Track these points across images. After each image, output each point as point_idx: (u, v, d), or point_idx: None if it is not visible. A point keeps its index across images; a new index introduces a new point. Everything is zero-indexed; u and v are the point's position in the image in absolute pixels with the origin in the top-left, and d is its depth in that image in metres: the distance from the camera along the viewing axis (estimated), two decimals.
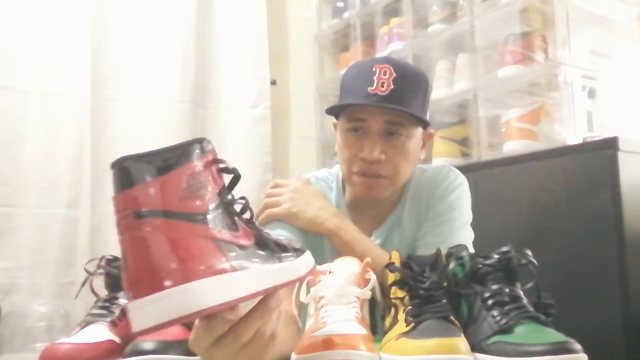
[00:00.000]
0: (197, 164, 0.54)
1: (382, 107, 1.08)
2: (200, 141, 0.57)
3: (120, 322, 0.81)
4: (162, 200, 0.51)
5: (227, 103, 2.45)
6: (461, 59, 2.00)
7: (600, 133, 1.69)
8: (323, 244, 1.18)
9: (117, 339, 0.79)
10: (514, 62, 1.81)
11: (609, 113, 1.80)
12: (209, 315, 0.55)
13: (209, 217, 0.53)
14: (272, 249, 0.61)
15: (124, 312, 0.83)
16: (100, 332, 0.79)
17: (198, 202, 0.53)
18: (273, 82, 2.55)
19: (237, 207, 0.59)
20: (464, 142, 1.97)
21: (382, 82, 1.08)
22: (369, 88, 1.08)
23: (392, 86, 1.07)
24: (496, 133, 1.87)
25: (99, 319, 0.81)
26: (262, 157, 2.45)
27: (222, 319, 0.55)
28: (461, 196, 1.22)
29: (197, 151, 0.55)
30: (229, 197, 0.57)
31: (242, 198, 0.60)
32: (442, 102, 2.00)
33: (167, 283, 0.49)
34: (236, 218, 0.57)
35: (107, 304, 0.84)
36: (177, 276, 0.49)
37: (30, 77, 2.07)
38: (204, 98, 2.41)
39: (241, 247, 0.56)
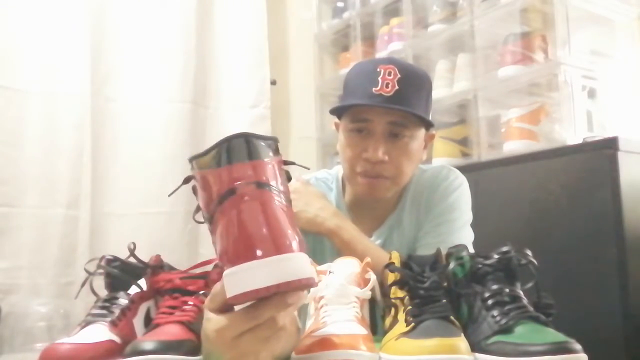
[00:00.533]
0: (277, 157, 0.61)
1: (388, 108, 1.08)
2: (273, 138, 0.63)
3: (120, 322, 0.81)
4: (277, 178, 0.59)
5: (227, 103, 2.45)
6: (461, 59, 2.00)
7: (600, 133, 1.69)
8: (323, 244, 1.18)
9: (117, 339, 0.79)
10: (514, 62, 1.81)
11: (609, 113, 1.80)
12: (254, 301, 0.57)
13: (289, 199, 0.60)
14: None
15: (124, 312, 0.83)
16: (100, 332, 0.78)
17: (286, 187, 0.60)
18: (273, 82, 2.55)
19: None
20: (464, 142, 1.97)
21: (386, 83, 1.08)
22: (374, 88, 1.08)
23: (397, 87, 1.07)
24: (496, 133, 1.87)
25: (99, 319, 0.81)
26: None
27: (272, 304, 0.56)
28: (461, 197, 1.22)
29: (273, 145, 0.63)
30: None
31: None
32: (442, 102, 2.00)
33: (290, 248, 0.54)
34: None
35: (107, 304, 0.84)
36: (294, 244, 0.55)
37: (30, 77, 2.07)
38: (204, 98, 2.41)
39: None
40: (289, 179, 0.65)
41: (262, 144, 0.59)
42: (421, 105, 1.11)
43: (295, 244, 0.54)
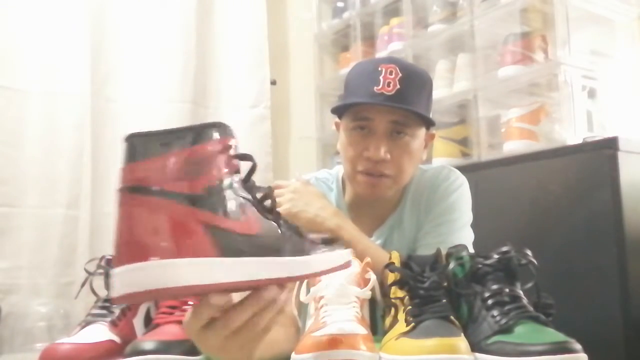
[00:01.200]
0: (204, 146, 0.55)
1: (390, 107, 1.08)
2: (215, 125, 0.57)
3: (120, 322, 0.81)
4: (158, 178, 0.52)
5: (227, 103, 2.45)
6: (461, 59, 2.00)
7: (600, 133, 1.69)
8: None
9: (117, 339, 0.79)
10: (514, 62, 1.81)
11: (609, 113, 1.80)
12: (198, 298, 0.57)
13: (205, 200, 0.54)
14: (286, 242, 0.60)
15: (124, 312, 0.83)
16: (100, 332, 0.79)
17: (194, 185, 0.54)
18: (273, 82, 2.55)
19: (258, 196, 0.60)
20: (464, 142, 1.97)
21: (388, 82, 1.08)
22: (375, 87, 1.08)
23: (398, 86, 1.08)
24: (496, 133, 1.87)
25: (99, 319, 0.81)
26: (262, 157, 2.45)
27: (207, 303, 0.55)
28: (461, 197, 1.22)
29: (210, 134, 0.56)
30: (237, 183, 0.57)
31: (268, 187, 0.62)
32: (442, 102, 2.00)
33: (150, 256, 0.50)
34: (246, 206, 0.57)
35: (107, 304, 0.84)
36: (160, 251, 0.51)
37: (30, 77, 2.07)
38: (204, 98, 2.41)
39: (237, 234, 0.55)
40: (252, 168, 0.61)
41: (152, 140, 0.54)
42: (422, 104, 1.12)
43: (157, 250, 0.51)
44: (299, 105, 2.69)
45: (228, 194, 0.56)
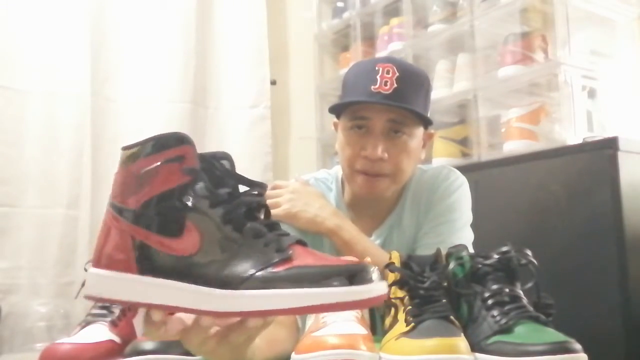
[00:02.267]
0: (147, 160, 0.55)
1: (388, 105, 1.08)
2: (167, 137, 0.56)
3: (120, 322, 0.81)
4: (112, 191, 0.57)
5: (227, 103, 2.45)
6: (461, 59, 2.00)
7: (600, 133, 1.69)
8: (322, 244, 1.18)
9: (117, 339, 0.79)
10: (514, 62, 1.81)
11: (609, 113, 1.80)
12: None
13: (138, 215, 0.54)
14: (232, 266, 0.53)
15: (124, 312, 0.83)
16: (100, 332, 0.79)
17: (134, 199, 0.55)
18: (273, 82, 2.55)
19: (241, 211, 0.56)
20: (464, 142, 1.97)
21: (385, 81, 1.08)
22: (373, 86, 1.08)
23: (396, 85, 1.08)
24: (496, 133, 1.87)
25: (99, 319, 0.81)
26: (262, 157, 2.45)
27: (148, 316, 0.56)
28: (461, 197, 1.22)
29: (156, 147, 0.55)
30: (189, 196, 0.55)
31: (257, 195, 0.58)
32: (442, 102, 1.99)
33: (95, 264, 0.55)
34: (193, 221, 0.54)
35: (107, 304, 0.84)
36: (95, 260, 0.55)
37: (30, 77, 2.07)
38: (204, 98, 2.41)
39: (164, 253, 0.53)
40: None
41: (123, 153, 0.56)
42: (420, 103, 1.12)
43: (100, 260, 0.54)
44: (299, 105, 2.69)
45: (166, 208, 0.54)
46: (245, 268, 0.53)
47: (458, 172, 1.25)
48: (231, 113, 2.45)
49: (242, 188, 0.59)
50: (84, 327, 0.81)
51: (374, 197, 1.17)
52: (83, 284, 0.89)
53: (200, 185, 0.55)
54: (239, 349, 0.62)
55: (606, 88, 1.81)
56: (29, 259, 2.00)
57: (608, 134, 1.62)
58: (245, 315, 0.54)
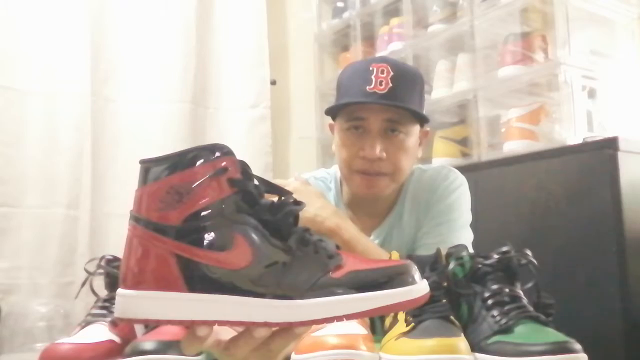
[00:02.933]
0: (186, 173, 0.53)
1: (384, 105, 1.09)
2: (207, 148, 0.54)
3: (120, 322, 0.81)
4: (144, 208, 0.53)
5: (227, 103, 2.45)
6: (461, 59, 2.00)
7: (600, 133, 1.69)
8: None
9: (117, 339, 0.79)
10: (514, 62, 1.81)
11: (609, 113, 1.80)
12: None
13: (182, 231, 0.52)
14: (284, 277, 0.53)
15: None
16: (100, 332, 0.79)
17: (173, 215, 0.52)
18: (273, 82, 2.55)
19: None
20: (464, 142, 1.97)
21: (380, 81, 1.09)
22: (368, 87, 1.09)
23: (391, 84, 1.08)
24: (496, 133, 1.87)
25: (99, 319, 0.81)
26: (262, 157, 2.45)
27: (193, 336, 0.54)
28: (461, 197, 1.22)
29: (195, 160, 0.53)
30: (231, 209, 0.53)
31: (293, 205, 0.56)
32: (442, 102, 1.99)
33: (128, 285, 0.52)
34: (239, 234, 0.53)
35: (107, 304, 0.84)
36: (135, 281, 0.52)
37: (30, 77, 2.07)
38: (204, 98, 2.41)
39: (213, 267, 0.52)
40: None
41: (148, 167, 0.54)
42: (415, 102, 1.13)
43: (134, 280, 0.52)
44: (299, 105, 2.69)
45: (213, 222, 0.52)
46: (304, 277, 0.53)
47: (458, 172, 1.26)
48: (231, 113, 2.45)
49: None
50: (84, 327, 0.81)
51: (373, 196, 1.17)
52: (83, 284, 0.90)
53: (243, 197, 0.54)
54: (271, 354, 0.60)
55: (606, 88, 1.81)
56: (29, 259, 2.00)
57: (608, 134, 1.62)
58: (310, 323, 0.54)
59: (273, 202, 0.56)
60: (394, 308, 0.54)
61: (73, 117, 2.11)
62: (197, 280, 0.52)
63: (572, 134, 1.65)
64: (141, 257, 0.52)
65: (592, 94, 1.78)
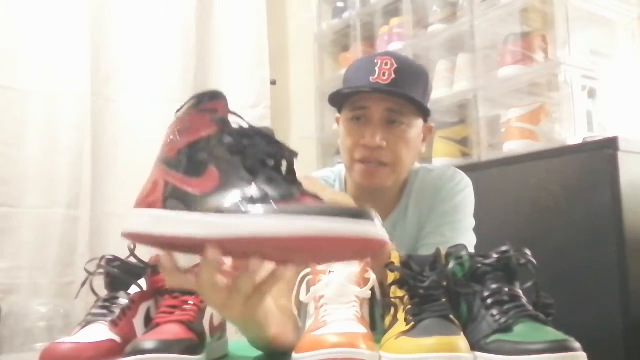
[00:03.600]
0: (184, 116, 0.64)
1: (384, 93, 1.10)
2: (203, 94, 0.64)
3: (120, 321, 0.81)
4: (162, 149, 0.64)
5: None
6: (461, 59, 2.00)
7: (600, 133, 1.69)
8: None
9: (117, 339, 0.79)
10: (514, 62, 1.81)
11: (609, 113, 1.80)
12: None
13: (174, 162, 0.62)
14: (250, 201, 0.57)
15: (124, 311, 0.83)
16: (101, 332, 0.78)
17: (172, 148, 0.63)
18: (273, 82, 2.55)
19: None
20: (464, 142, 1.97)
21: (383, 72, 1.10)
22: (371, 77, 1.10)
23: (394, 76, 1.10)
24: (496, 133, 1.87)
25: (99, 318, 0.81)
26: None
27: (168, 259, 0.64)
28: (466, 199, 1.22)
29: (195, 102, 0.64)
30: (217, 143, 0.61)
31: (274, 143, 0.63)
32: (442, 102, 2.00)
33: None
34: (215, 164, 0.60)
35: (107, 304, 0.84)
36: (135, 203, 0.64)
37: (30, 77, 2.07)
38: None
39: (187, 192, 0.60)
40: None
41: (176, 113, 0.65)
42: (418, 95, 1.13)
43: (135, 203, 0.63)
44: (299, 105, 2.69)
45: (198, 155, 0.61)
46: (258, 199, 0.57)
47: (464, 174, 1.26)
48: None
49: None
50: (84, 327, 0.81)
51: (374, 186, 1.17)
52: (83, 284, 0.90)
53: (227, 137, 0.62)
54: (250, 304, 0.65)
55: (606, 88, 1.81)
56: (29, 259, 2.00)
57: (608, 134, 1.63)
58: (257, 241, 0.56)
59: (250, 144, 0.62)
60: (340, 242, 0.54)
61: (73, 117, 2.11)
62: (174, 201, 0.60)
63: (572, 134, 1.65)
64: (147, 183, 0.64)
65: (592, 94, 1.78)
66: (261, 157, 0.61)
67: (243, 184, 0.59)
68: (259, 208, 0.56)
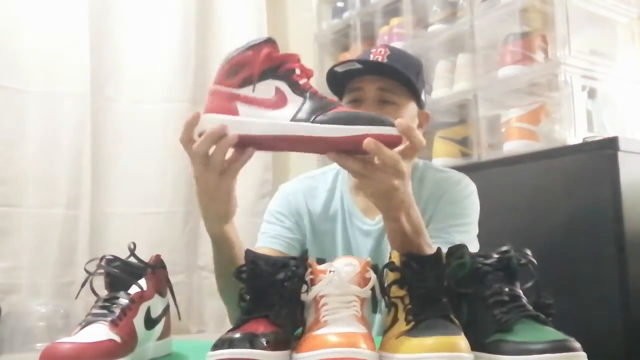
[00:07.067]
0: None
1: (374, 69, 1.15)
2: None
3: (120, 321, 0.81)
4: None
5: None
6: (461, 59, 2.00)
7: (600, 133, 1.69)
8: (335, 241, 1.21)
9: (117, 339, 0.78)
10: (514, 62, 1.81)
11: (609, 113, 1.80)
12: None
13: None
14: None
15: (124, 311, 0.83)
16: (101, 332, 0.78)
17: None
18: None
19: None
20: (464, 142, 1.97)
21: (377, 57, 1.17)
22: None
23: (386, 60, 1.16)
24: (496, 133, 1.87)
25: (99, 318, 0.81)
26: (262, 157, 2.45)
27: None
28: (473, 204, 1.22)
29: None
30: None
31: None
32: (442, 102, 2.00)
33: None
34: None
35: (107, 304, 0.84)
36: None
37: (30, 77, 2.07)
38: (204, 98, 2.37)
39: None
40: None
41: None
42: (410, 77, 1.16)
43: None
44: None
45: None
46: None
47: (469, 180, 1.26)
48: None
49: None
50: (84, 326, 0.80)
51: None
52: (83, 284, 0.90)
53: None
54: (223, 178, 0.85)
55: (606, 88, 1.81)
56: (29, 259, 2.01)
57: (608, 134, 1.63)
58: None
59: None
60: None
61: (73, 117, 2.11)
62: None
63: (572, 134, 1.65)
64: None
65: (592, 94, 1.78)
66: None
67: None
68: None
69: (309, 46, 2.64)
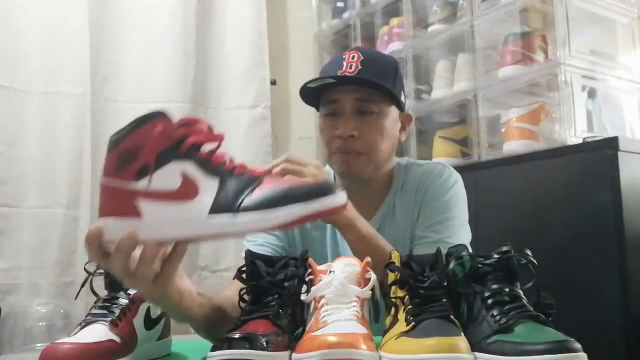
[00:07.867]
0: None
1: (348, 82, 1.14)
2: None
3: (120, 322, 0.81)
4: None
5: (227, 103, 2.45)
6: (461, 59, 2.00)
7: (600, 133, 1.69)
8: (324, 248, 1.19)
9: (117, 339, 0.79)
10: (514, 62, 1.81)
11: (609, 113, 1.80)
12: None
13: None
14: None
15: (124, 312, 0.83)
16: (101, 332, 0.78)
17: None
18: (273, 82, 2.55)
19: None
20: (464, 142, 1.97)
21: (350, 64, 1.14)
22: (338, 71, 1.14)
23: (360, 67, 1.13)
24: (496, 133, 1.88)
25: (99, 318, 0.81)
26: (262, 157, 2.45)
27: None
28: (457, 194, 1.22)
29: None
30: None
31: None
32: (442, 102, 2.00)
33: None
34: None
35: (107, 304, 0.84)
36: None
37: (30, 77, 2.07)
38: (204, 98, 2.41)
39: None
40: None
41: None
42: (387, 83, 1.15)
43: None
44: (299, 105, 2.65)
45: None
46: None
47: (452, 169, 1.25)
48: (231, 113, 2.45)
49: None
50: (84, 327, 0.80)
51: (353, 175, 1.18)
52: (83, 284, 0.90)
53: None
54: (159, 283, 0.72)
55: (606, 88, 1.81)
56: (29, 259, 2.00)
57: (608, 134, 1.63)
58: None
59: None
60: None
61: (73, 117, 2.11)
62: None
63: (572, 134, 1.65)
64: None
65: (592, 94, 1.78)
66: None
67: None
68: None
69: (308, 46, 2.64)
